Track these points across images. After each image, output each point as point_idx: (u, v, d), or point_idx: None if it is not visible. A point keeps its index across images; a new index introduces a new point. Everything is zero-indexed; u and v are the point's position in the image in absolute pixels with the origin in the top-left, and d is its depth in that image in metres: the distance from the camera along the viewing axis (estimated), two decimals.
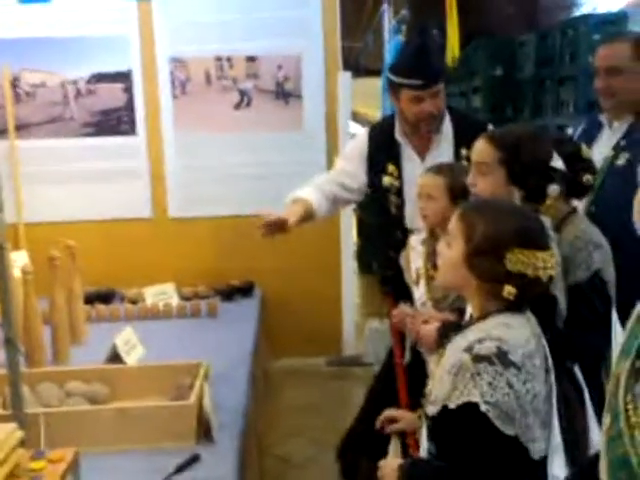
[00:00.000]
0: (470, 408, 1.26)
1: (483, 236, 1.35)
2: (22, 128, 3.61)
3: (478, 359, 1.26)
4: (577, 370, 1.73)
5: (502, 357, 1.26)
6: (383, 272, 2.57)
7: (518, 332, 1.32)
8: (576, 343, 1.67)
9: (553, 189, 1.67)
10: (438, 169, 2.08)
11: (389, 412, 1.81)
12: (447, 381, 1.31)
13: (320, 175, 2.64)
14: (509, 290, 1.33)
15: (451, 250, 1.40)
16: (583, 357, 1.72)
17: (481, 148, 1.75)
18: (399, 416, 1.80)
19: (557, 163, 1.68)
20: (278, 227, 2.26)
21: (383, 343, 3.32)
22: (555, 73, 4.10)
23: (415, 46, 2.27)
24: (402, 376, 2.12)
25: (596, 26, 3.82)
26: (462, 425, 1.29)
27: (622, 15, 3.68)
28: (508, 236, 1.34)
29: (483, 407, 1.24)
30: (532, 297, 1.38)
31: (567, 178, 1.73)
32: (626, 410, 0.83)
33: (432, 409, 1.37)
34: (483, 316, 1.37)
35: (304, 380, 3.66)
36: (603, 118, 2.32)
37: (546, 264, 1.34)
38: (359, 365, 3.87)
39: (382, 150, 2.40)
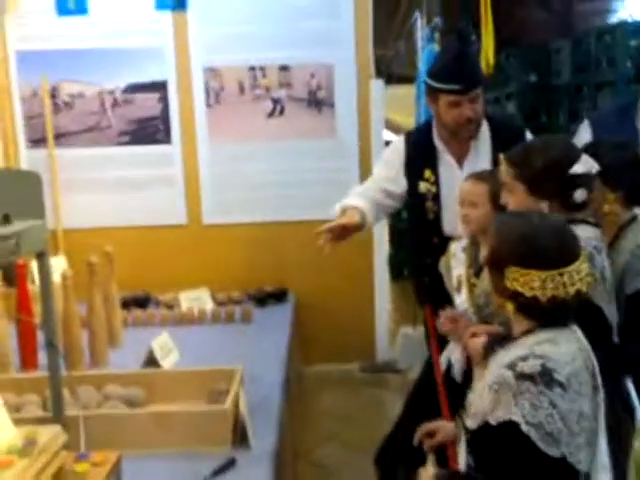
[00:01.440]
0: (511, 427, 1.24)
1: (490, 251, 1.39)
2: (61, 137, 3.68)
3: (521, 377, 1.24)
4: (631, 386, 1.68)
5: (546, 376, 1.23)
6: (418, 279, 2.53)
7: (564, 348, 1.29)
8: (633, 355, 1.63)
9: (579, 194, 1.62)
10: (480, 176, 2.05)
11: (426, 426, 1.72)
12: (488, 396, 1.29)
13: (359, 184, 2.59)
14: (508, 307, 1.34)
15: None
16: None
17: (501, 168, 1.74)
18: (436, 428, 1.71)
19: (579, 168, 1.61)
20: (339, 233, 2.21)
21: (416, 349, 3.29)
22: (592, 79, 4.05)
23: (453, 51, 2.24)
24: (443, 388, 2.04)
25: (634, 32, 3.78)
26: (503, 442, 1.27)
27: None
28: (507, 253, 1.34)
29: (524, 427, 1.22)
30: (537, 316, 1.32)
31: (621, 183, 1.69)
32: None
33: (472, 423, 1.36)
34: (527, 331, 1.35)
35: (337, 386, 3.65)
36: None
37: (547, 284, 1.28)
38: (392, 371, 3.84)
39: (419, 156, 2.37)
